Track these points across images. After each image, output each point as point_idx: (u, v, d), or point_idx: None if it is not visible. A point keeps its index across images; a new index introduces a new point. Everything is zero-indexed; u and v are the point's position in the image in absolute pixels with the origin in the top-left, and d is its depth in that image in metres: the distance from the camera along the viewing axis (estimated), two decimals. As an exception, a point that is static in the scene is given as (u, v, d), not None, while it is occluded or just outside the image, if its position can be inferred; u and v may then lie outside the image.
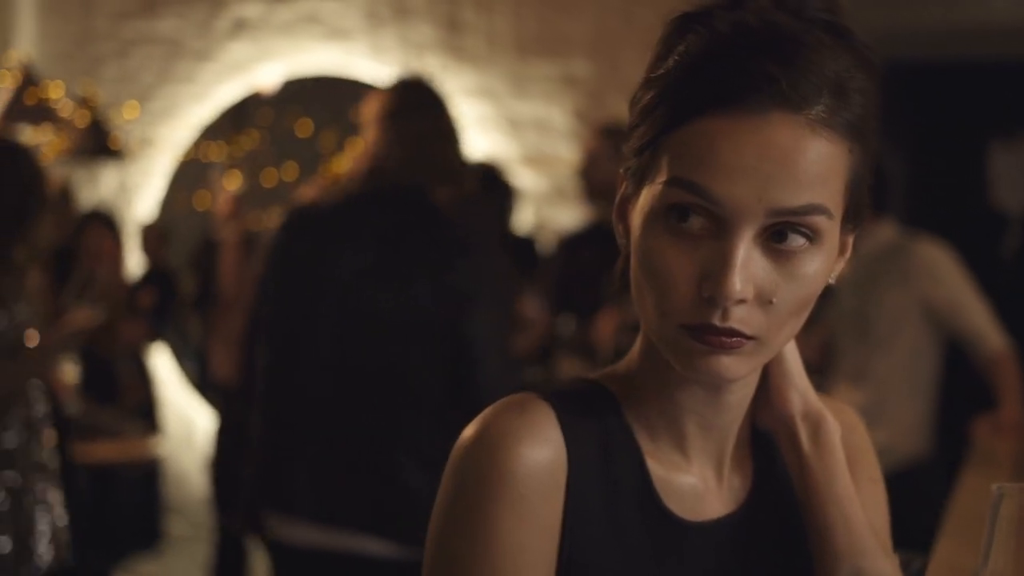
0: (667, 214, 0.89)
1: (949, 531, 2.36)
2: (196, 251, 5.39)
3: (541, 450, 0.93)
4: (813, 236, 0.89)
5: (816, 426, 1.01)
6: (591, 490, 0.95)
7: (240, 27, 5.97)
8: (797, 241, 0.88)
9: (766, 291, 0.88)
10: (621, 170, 0.97)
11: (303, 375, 2.52)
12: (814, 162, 0.87)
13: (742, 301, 0.87)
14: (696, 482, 1.00)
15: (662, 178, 0.89)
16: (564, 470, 0.94)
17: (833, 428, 1.02)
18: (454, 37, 5.76)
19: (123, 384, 4.78)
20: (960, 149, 8.37)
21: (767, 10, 0.89)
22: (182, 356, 5.93)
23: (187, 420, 5.90)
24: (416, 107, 2.63)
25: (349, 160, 2.75)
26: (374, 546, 2.48)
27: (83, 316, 2.97)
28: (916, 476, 3.64)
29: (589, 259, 3.77)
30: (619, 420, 0.98)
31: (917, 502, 3.52)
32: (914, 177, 7.92)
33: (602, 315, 3.64)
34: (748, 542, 1.01)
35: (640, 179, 0.93)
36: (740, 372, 0.91)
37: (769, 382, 1.02)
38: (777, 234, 0.88)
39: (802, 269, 0.89)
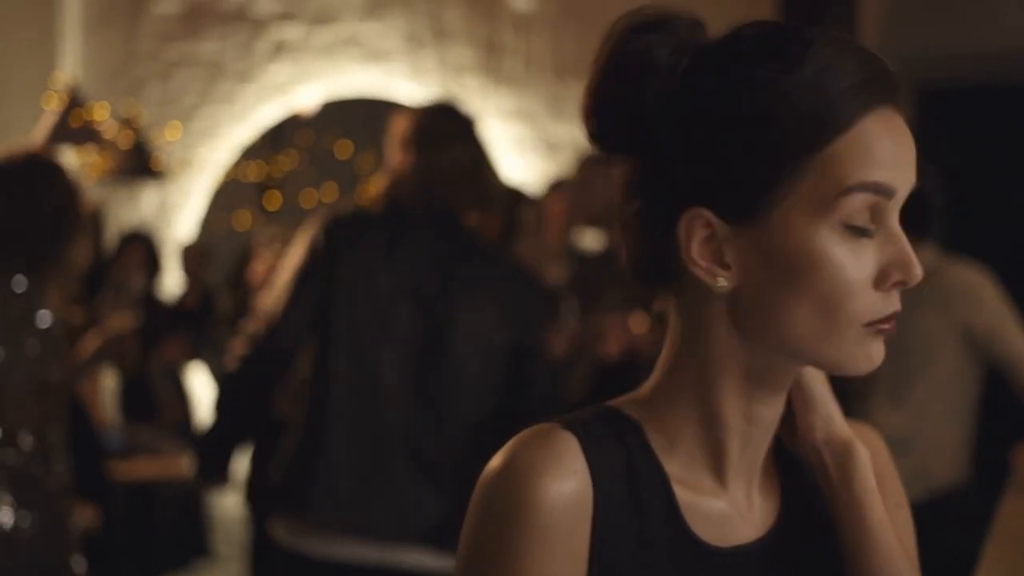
0: (845, 223, 0.91)
1: (990, 558, 2.33)
2: (234, 270, 5.44)
3: (567, 482, 0.93)
4: None
5: (845, 454, 1.00)
6: (618, 520, 0.95)
7: (280, 49, 6.03)
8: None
9: None
10: (690, 212, 0.94)
11: (377, 394, 2.51)
12: (914, 143, 0.95)
13: None
14: (725, 507, 0.99)
15: (835, 190, 0.90)
16: (590, 501, 0.93)
17: (863, 455, 1.00)
18: (492, 59, 5.79)
19: (161, 403, 4.82)
20: (1003, 174, 8.30)
21: (788, 25, 0.95)
22: (219, 374, 5.97)
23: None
24: (448, 132, 2.63)
25: (377, 181, 2.74)
26: (422, 559, 2.51)
27: (118, 320, 2.99)
28: (955, 502, 3.60)
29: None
30: (644, 448, 0.97)
31: (956, 528, 3.49)
32: (956, 202, 7.85)
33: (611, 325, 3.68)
34: (778, 567, 1.01)
35: (758, 206, 0.92)
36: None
37: (794, 408, 1.02)
38: None
39: None
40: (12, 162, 2.76)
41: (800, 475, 1.04)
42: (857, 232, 0.91)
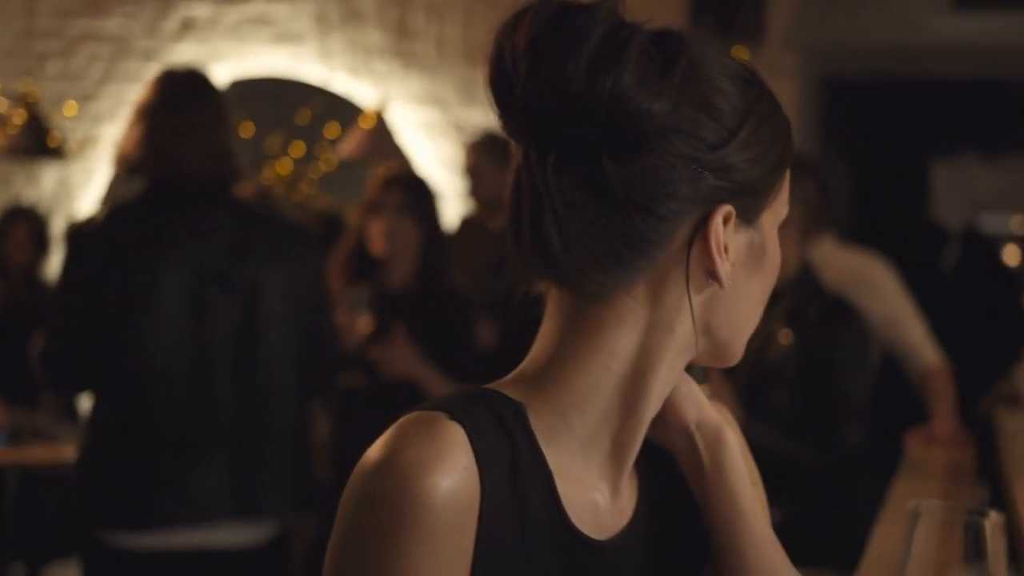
0: (779, 225, 1.02)
1: (877, 543, 2.38)
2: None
3: (455, 478, 0.89)
4: None
5: (715, 439, 1.01)
6: (502, 514, 0.92)
7: (188, 27, 5.92)
8: None
9: None
10: (725, 208, 0.95)
11: (156, 376, 2.53)
12: None
13: None
14: (599, 497, 0.98)
15: (785, 198, 1.02)
16: (477, 497, 0.90)
17: (733, 440, 1.01)
18: (403, 43, 5.75)
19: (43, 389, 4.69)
20: (903, 166, 8.48)
21: None
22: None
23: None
24: (194, 96, 2.64)
25: (122, 147, 2.67)
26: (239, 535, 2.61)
27: None
28: (849, 487, 3.67)
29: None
30: (527, 436, 0.95)
31: (850, 514, 3.56)
32: (857, 193, 8.00)
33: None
34: (645, 554, 1.01)
35: (754, 212, 0.99)
36: None
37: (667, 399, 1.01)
38: None
39: None
40: None
41: (656, 462, 1.04)
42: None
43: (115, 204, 2.73)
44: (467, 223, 4.38)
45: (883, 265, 3.72)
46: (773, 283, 1.01)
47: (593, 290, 0.95)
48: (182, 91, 2.64)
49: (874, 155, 8.33)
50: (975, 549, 0.83)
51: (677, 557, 1.03)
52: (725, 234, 0.95)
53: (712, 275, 0.96)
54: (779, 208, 1.01)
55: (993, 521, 0.82)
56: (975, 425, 3.89)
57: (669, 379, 0.98)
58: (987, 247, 6.51)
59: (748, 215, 0.97)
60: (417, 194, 3.41)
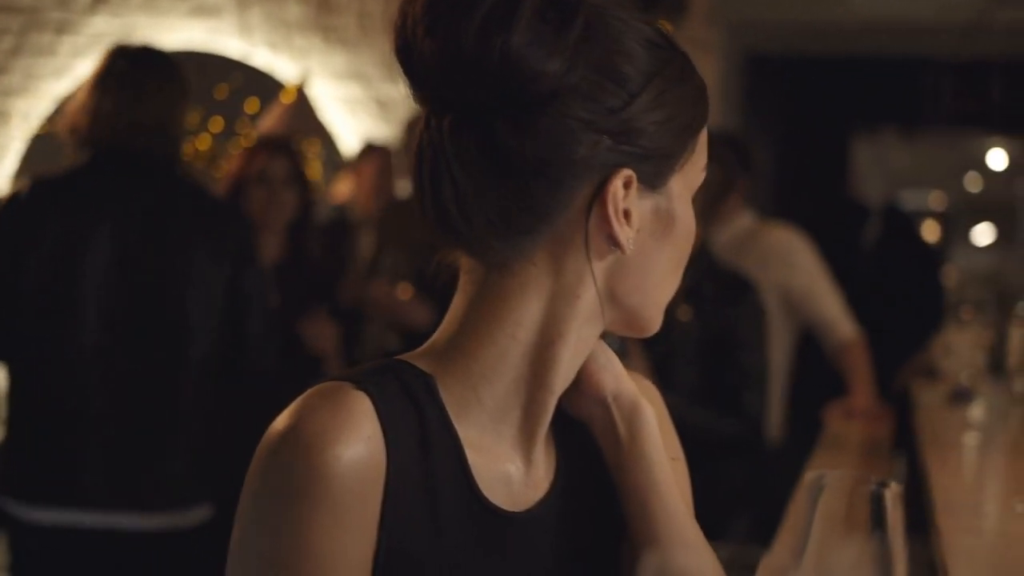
0: (693, 194, 0.99)
1: (797, 505, 2.40)
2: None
3: (359, 448, 0.88)
4: None
5: (632, 411, 1.00)
6: (410, 485, 0.91)
7: (101, 0, 5.78)
8: None
9: None
10: (624, 172, 0.93)
11: (68, 353, 2.52)
12: None
13: None
14: (513, 467, 0.98)
15: (699, 165, 0.99)
16: (383, 467, 0.89)
17: (650, 412, 1.01)
18: (325, 17, 5.68)
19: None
20: (824, 142, 8.57)
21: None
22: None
23: None
24: (144, 70, 2.62)
25: (66, 119, 2.64)
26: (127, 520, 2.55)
27: None
28: (769, 462, 3.70)
29: None
30: (436, 406, 0.94)
31: (770, 486, 3.59)
32: (779, 168, 8.08)
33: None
34: (562, 527, 1.00)
35: (661, 177, 0.96)
36: None
37: (583, 368, 1.00)
38: None
39: None
40: None
41: (575, 441, 1.03)
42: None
43: (40, 176, 2.65)
44: (402, 204, 4.36)
45: (800, 240, 3.74)
46: (687, 250, 0.99)
47: (493, 258, 0.94)
48: (132, 64, 2.61)
49: (796, 131, 8.41)
50: (877, 520, 0.82)
51: (595, 531, 1.02)
52: (627, 199, 0.93)
53: (613, 241, 0.94)
54: (692, 174, 0.98)
55: (893, 492, 0.81)
56: (893, 399, 3.95)
57: (579, 348, 0.97)
58: (907, 223, 6.59)
59: (653, 180, 0.95)
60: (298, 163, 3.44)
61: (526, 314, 0.95)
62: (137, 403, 2.55)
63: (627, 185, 0.93)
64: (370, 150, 4.64)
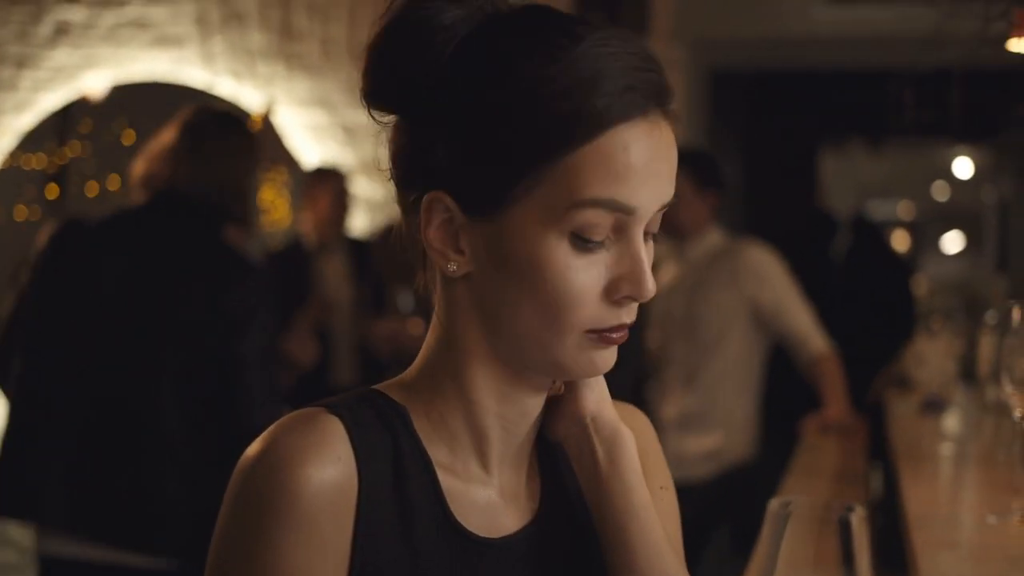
0: (575, 234, 0.88)
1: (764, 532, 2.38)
2: (16, 266, 5.16)
3: (330, 469, 0.88)
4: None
5: (612, 436, 0.99)
6: (384, 509, 0.91)
7: (63, 32, 5.75)
8: (653, 229, 0.94)
9: None
10: (430, 195, 0.93)
11: (58, 386, 2.53)
12: (676, 151, 0.92)
13: None
14: (493, 494, 0.97)
15: (567, 201, 0.87)
16: (355, 489, 0.90)
17: (629, 439, 0.99)
18: (287, 44, 5.66)
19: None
20: (791, 156, 8.61)
21: (597, 21, 0.91)
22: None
23: None
24: (219, 130, 2.71)
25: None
26: (133, 559, 2.49)
27: None
28: (745, 477, 3.70)
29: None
30: (409, 434, 0.95)
31: (748, 502, 3.58)
32: (747, 183, 8.11)
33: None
34: (542, 557, 0.99)
35: (494, 203, 0.90)
36: (614, 358, 0.95)
37: (565, 387, 1.00)
38: None
39: (652, 253, 0.94)
40: None
41: (559, 468, 1.02)
42: (586, 244, 0.89)
43: (82, 215, 2.74)
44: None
45: (768, 254, 3.75)
46: (542, 292, 0.89)
47: (425, 286, 1.01)
48: (207, 125, 2.72)
49: (763, 146, 8.45)
50: (845, 546, 0.81)
51: (577, 560, 1.01)
52: (432, 223, 0.93)
53: (438, 264, 0.96)
54: (551, 209, 0.88)
55: (859, 516, 0.79)
56: (867, 410, 3.95)
57: (500, 374, 0.96)
58: (876, 233, 6.63)
59: (476, 207, 0.91)
60: None
61: (441, 343, 0.97)
62: (114, 441, 2.52)
63: (432, 208, 0.93)
64: (323, 174, 4.59)
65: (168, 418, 2.50)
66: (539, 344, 0.91)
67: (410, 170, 0.95)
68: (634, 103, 0.88)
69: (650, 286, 0.90)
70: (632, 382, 2.76)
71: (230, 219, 2.71)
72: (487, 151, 0.89)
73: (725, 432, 3.70)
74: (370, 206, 5.48)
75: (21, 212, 5.67)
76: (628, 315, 0.92)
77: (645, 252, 0.91)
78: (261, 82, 5.63)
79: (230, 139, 2.72)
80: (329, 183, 4.50)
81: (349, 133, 5.57)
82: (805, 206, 8.06)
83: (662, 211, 0.92)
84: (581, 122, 0.87)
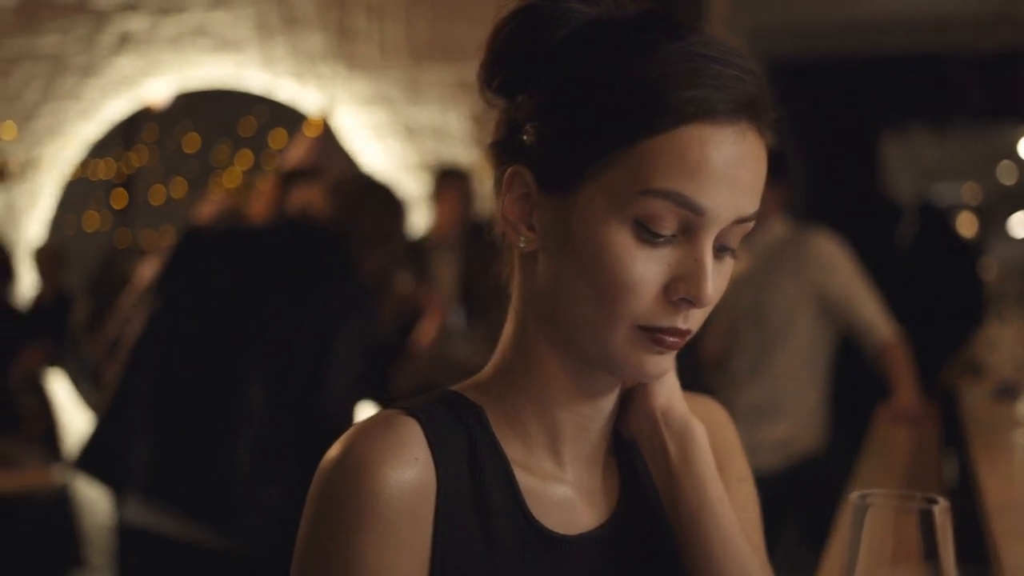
0: (639, 222, 0.88)
1: (842, 523, 2.37)
2: (96, 273, 5.27)
3: (409, 470, 0.90)
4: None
5: (683, 431, 0.99)
6: (462, 508, 0.92)
7: (125, 41, 5.84)
8: (732, 244, 0.92)
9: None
10: (511, 169, 0.94)
11: (164, 366, 2.67)
12: (764, 170, 0.91)
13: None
14: (569, 491, 0.98)
15: (635, 187, 0.87)
16: (433, 489, 0.91)
17: (700, 432, 0.99)
18: (346, 45, 5.70)
19: (24, 413, 4.64)
20: (853, 142, 8.52)
21: (695, 26, 0.92)
22: (79, 380, 5.79)
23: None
24: (379, 207, 2.91)
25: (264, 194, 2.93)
26: (205, 537, 2.63)
27: None
28: (815, 468, 3.67)
29: None
30: (486, 433, 0.96)
31: (818, 494, 3.55)
32: (810, 171, 8.04)
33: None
34: (621, 553, 0.99)
35: (567, 180, 0.91)
36: (670, 368, 0.94)
37: (637, 384, 1.00)
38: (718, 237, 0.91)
39: (727, 270, 0.93)
40: None
41: (635, 464, 1.03)
42: (649, 235, 0.89)
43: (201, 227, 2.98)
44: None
45: (834, 243, 3.72)
46: (599, 276, 0.89)
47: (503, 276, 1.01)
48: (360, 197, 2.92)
49: (824, 133, 8.37)
50: (927, 539, 0.80)
51: (657, 555, 1.01)
52: (510, 195, 0.94)
53: (509, 237, 0.97)
54: (623, 192, 0.88)
55: (942, 508, 0.79)
56: (938, 398, 3.90)
57: (571, 367, 0.96)
58: (942, 218, 6.54)
59: (551, 183, 0.92)
60: None
61: (514, 339, 0.98)
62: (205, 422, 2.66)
63: (512, 181, 0.94)
64: (449, 175, 4.67)
65: (255, 408, 2.62)
66: (592, 332, 0.91)
67: (503, 149, 0.96)
68: (720, 105, 0.88)
69: (709, 291, 0.89)
70: (689, 370, 2.75)
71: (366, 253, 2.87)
72: (570, 129, 0.90)
73: (793, 422, 3.68)
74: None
75: (92, 220, 5.78)
76: (685, 321, 0.90)
77: (711, 258, 0.90)
78: (321, 83, 5.69)
79: (383, 221, 2.90)
80: (455, 185, 4.57)
81: (409, 131, 5.60)
82: (868, 193, 7.97)
83: (742, 225, 0.91)
84: (663, 111, 0.87)
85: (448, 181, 4.61)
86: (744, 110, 0.89)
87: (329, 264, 2.76)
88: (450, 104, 5.49)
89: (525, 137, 0.93)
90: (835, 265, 3.65)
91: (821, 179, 8.15)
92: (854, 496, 0.81)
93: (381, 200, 2.94)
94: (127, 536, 2.73)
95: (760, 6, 5.35)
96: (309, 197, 2.99)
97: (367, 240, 2.84)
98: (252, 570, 2.68)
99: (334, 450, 0.92)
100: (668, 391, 1.00)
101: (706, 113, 0.87)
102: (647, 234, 0.89)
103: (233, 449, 2.63)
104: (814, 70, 7.64)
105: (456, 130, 5.51)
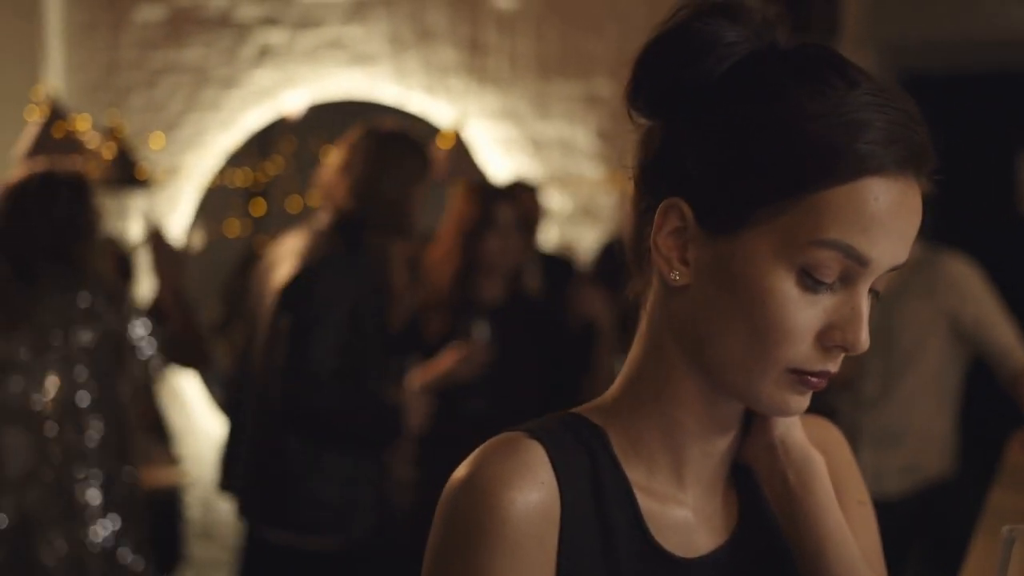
0: (805, 270, 0.90)
1: (979, 548, 2.34)
2: (232, 277, 5.43)
3: (534, 493, 0.92)
4: None
5: (802, 460, 1.00)
6: (584, 530, 0.94)
7: (265, 54, 6.02)
8: (879, 287, 0.94)
9: None
10: (669, 201, 0.94)
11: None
12: (920, 219, 0.93)
13: None
14: (689, 515, 0.99)
15: (808, 236, 0.88)
16: (557, 511, 0.93)
17: (819, 461, 1.00)
18: (477, 59, 5.78)
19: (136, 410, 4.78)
20: (987, 160, 8.31)
21: (859, 68, 0.93)
22: (210, 381, 5.96)
23: (216, 444, 5.92)
24: (387, 148, 3.03)
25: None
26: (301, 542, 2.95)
27: None
28: (944, 493, 3.61)
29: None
30: (608, 456, 0.97)
31: (946, 520, 3.50)
32: (942, 190, 7.85)
33: None
34: (738, 575, 1.01)
35: (732, 222, 0.91)
36: (807, 404, 0.96)
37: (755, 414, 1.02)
38: None
39: (868, 311, 0.94)
40: (26, 181, 2.87)
41: (754, 487, 1.04)
42: (813, 283, 0.90)
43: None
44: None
45: (969, 267, 3.66)
46: (759, 320, 0.90)
47: (633, 292, 1.02)
48: (378, 143, 3.05)
49: (957, 151, 8.17)
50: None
51: None
52: (664, 228, 0.95)
53: (660, 270, 0.97)
54: (789, 241, 0.89)
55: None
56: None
57: (703, 394, 0.97)
58: (1080, 240, 6.33)
59: (711, 223, 0.93)
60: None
61: (644, 362, 0.99)
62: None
63: (668, 214, 0.95)
64: (518, 188, 4.66)
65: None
66: (743, 372, 0.92)
67: (655, 174, 0.96)
68: (895, 158, 0.89)
69: (864, 340, 0.91)
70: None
71: (393, 234, 3.05)
72: (739, 169, 0.90)
73: (921, 446, 3.63)
74: (559, 218, 5.55)
75: (232, 227, 5.96)
76: (834, 364, 0.92)
77: (867, 307, 0.92)
78: (452, 96, 5.78)
79: (404, 163, 3.01)
80: (525, 197, 4.59)
81: (537, 146, 5.66)
82: (1004, 212, 7.76)
83: (891, 272, 0.93)
84: (841, 163, 0.88)
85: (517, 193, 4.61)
86: (912, 160, 0.91)
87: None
88: (578, 119, 5.53)
89: (688, 165, 0.93)
90: (969, 290, 3.60)
91: (955, 199, 7.95)
92: (1004, 530, 0.83)
93: (412, 151, 3.05)
94: (255, 549, 2.98)
95: (894, 21, 5.27)
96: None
97: (396, 185, 2.95)
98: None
99: (459, 473, 0.94)
100: (787, 420, 1.01)
101: (880, 167, 0.89)
102: (810, 281, 0.90)
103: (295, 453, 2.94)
104: (947, 86, 7.47)
105: (584, 144, 5.55)
